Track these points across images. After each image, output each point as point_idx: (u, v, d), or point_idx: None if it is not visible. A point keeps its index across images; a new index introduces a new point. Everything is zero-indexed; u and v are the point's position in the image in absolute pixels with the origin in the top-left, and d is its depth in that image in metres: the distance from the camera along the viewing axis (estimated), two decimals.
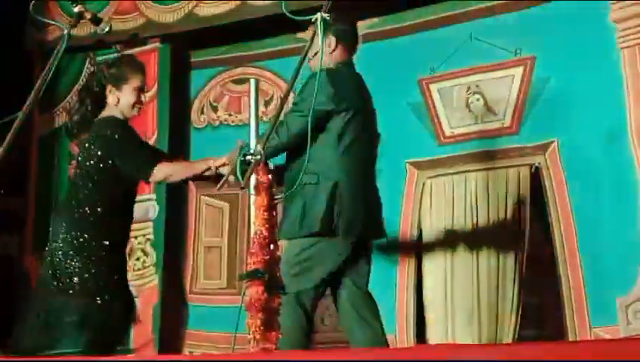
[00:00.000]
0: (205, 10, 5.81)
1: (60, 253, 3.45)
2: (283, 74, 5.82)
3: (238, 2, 5.68)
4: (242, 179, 2.62)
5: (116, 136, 3.53)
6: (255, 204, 2.59)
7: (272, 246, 2.56)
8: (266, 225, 2.55)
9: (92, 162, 3.55)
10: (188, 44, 6.29)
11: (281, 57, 5.83)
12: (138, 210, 6.01)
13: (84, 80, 3.79)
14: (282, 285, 2.59)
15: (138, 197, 5.98)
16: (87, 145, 3.61)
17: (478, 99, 5.29)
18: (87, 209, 3.50)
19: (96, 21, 3.42)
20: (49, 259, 3.50)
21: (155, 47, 6.35)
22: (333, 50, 3.63)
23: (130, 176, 3.60)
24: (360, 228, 3.49)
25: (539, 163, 4.99)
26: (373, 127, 3.73)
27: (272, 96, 5.99)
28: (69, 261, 3.43)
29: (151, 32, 6.19)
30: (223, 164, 3.45)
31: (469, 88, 5.33)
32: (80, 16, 3.32)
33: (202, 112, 6.21)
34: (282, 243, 3.33)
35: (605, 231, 4.71)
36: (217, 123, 6.07)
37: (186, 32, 6.07)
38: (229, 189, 4.93)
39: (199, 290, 5.92)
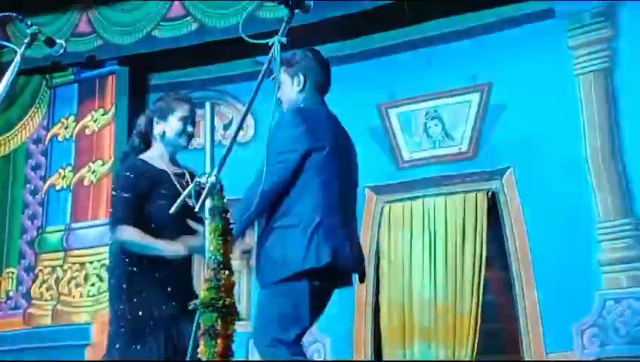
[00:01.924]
0: (163, 33, 5.77)
1: None
2: (242, 98, 5.81)
3: (197, 25, 5.66)
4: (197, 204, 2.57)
5: (114, 182, 3.46)
6: (209, 228, 2.55)
7: (226, 273, 2.52)
8: (221, 251, 2.51)
9: None
10: (146, 66, 6.25)
11: (241, 81, 5.81)
12: (94, 235, 6.05)
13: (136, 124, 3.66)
14: (237, 312, 2.56)
15: (93, 222, 6.08)
16: None
17: (436, 124, 5.33)
18: None
19: (50, 43, 3.36)
20: None
21: (112, 70, 6.31)
22: (303, 87, 3.43)
23: None
24: (341, 265, 3.26)
25: (495, 188, 5.03)
26: (352, 165, 3.56)
27: (232, 119, 5.97)
28: None
29: (108, 54, 6.12)
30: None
31: (427, 113, 5.36)
32: (34, 37, 3.26)
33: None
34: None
35: (561, 257, 4.75)
36: (192, 146, 6.01)
37: (145, 55, 6.02)
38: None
39: None
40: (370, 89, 5.51)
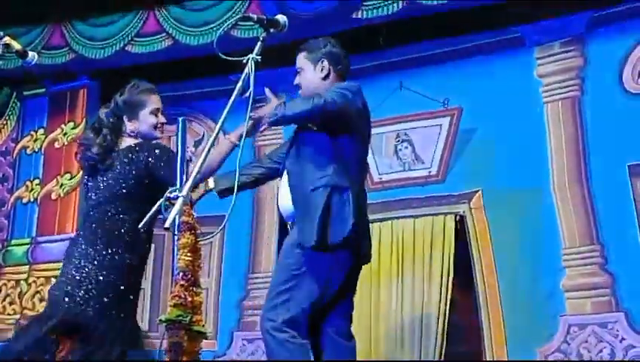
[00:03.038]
0: (137, 48, 5.75)
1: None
2: (214, 115, 5.81)
3: (171, 41, 5.66)
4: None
5: (156, 152, 3.34)
6: (179, 244, 2.53)
7: (194, 289, 2.50)
8: (190, 266, 2.50)
9: (126, 183, 3.35)
10: (118, 81, 6.21)
11: (213, 98, 5.81)
12: (59, 249, 5.98)
13: (97, 118, 3.54)
14: (204, 330, 2.54)
15: (59, 236, 6.00)
16: (117, 169, 3.39)
17: (406, 147, 5.37)
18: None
19: (22, 54, 3.34)
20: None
21: (84, 84, 6.27)
22: (326, 75, 3.35)
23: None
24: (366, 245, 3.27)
25: (463, 211, 5.06)
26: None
27: (203, 136, 5.96)
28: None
29: (81, 68, 6.09)
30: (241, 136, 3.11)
31: (397, 136, 5.41)
32: (7, 47, 3.24)
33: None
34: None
35: (527, 281, 4.79)
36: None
37: (117, 69, 6.00)
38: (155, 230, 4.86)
39: None
40: None
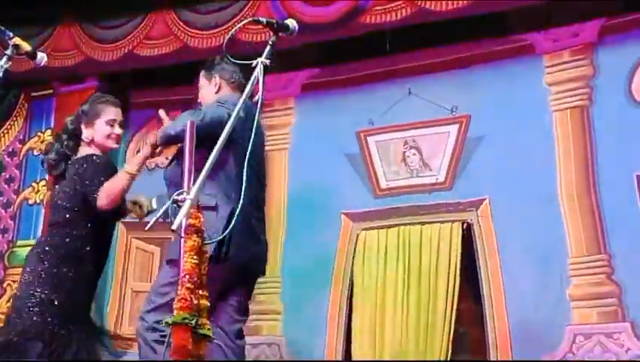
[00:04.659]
0: (146, 51, 5.77)
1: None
2: None
3: (180, 44, 5.67)
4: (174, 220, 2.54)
5: (82, 170, 3.54)
6: (185, 246, 2.53)
7: (201, 292, 2.50)
8: (196, 269, 2.49)
9: (66, 201, 3.57)
10: (127, 83, 6.23)
11: None
12: None
13: (63, 125, 3.79)
14: (210, 333, 2.54)
15: None
16: (62, 183, 3.64)
17: (414, 154, 5.36)
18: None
19: (31, 56, 3.37)
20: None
21: (92, 86, 6.28)
22: (218, 89, 3.60)
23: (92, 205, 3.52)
24: (245, 261, 3.30)
25: (470, 219, 5.05)
26: (259, 162, 3.51)
27: None
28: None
29: (89, 70, 6.10)
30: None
31: (405, 143, 5.40)
32: (16, 48, 3.27)
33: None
34: None
35: (533, 290, 4.78)
36: (152, 165, 5.95)
37: (126, 72, 6.01)
38: (161, 233, 4.85)
39: (124, 336, 5.77)
40: (350, 116, 5.54)
